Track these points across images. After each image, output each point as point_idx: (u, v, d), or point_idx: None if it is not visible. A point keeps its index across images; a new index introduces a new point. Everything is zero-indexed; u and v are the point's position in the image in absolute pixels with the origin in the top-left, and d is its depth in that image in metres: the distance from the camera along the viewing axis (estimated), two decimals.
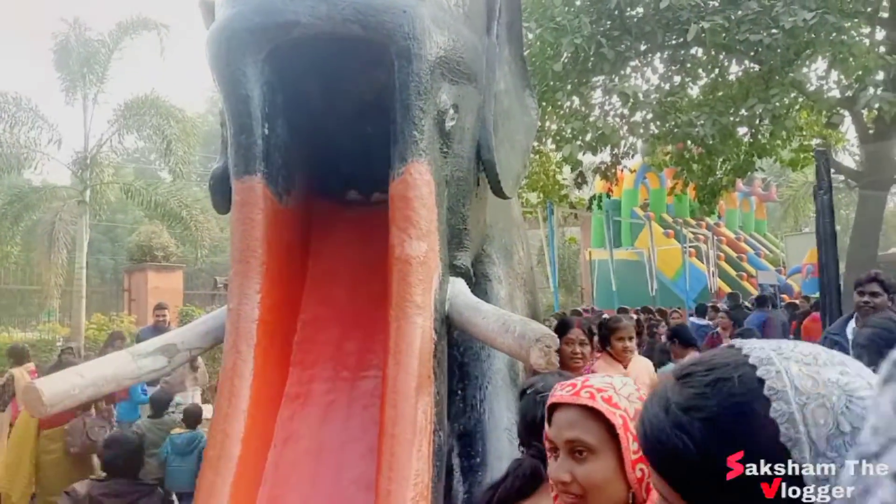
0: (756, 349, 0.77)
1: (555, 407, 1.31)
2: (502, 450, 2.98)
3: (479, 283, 3.33)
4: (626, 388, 1.29)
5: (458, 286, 2.82)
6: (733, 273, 19.47)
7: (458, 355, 3.21)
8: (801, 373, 0.72)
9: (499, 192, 3.19)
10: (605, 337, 4.07)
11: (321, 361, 2.85)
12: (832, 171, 7.33)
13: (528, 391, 1.83)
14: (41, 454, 4.48)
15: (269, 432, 2.59)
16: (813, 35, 7.56)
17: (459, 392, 3.19)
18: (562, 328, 3.72)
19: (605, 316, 6.25)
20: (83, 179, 13.86)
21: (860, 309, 4.00)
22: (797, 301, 12.59)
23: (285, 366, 2.75)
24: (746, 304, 11.65)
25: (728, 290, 15.11)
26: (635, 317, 9.42)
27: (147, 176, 20.55)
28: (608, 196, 12.64)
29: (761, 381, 0.72)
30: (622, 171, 11.40)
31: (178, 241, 16.68)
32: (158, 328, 7.33)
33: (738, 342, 0.81)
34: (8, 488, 4.39)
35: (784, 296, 14.54)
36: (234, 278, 2.60)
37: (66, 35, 13.71)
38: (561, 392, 1.31)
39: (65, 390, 2.34)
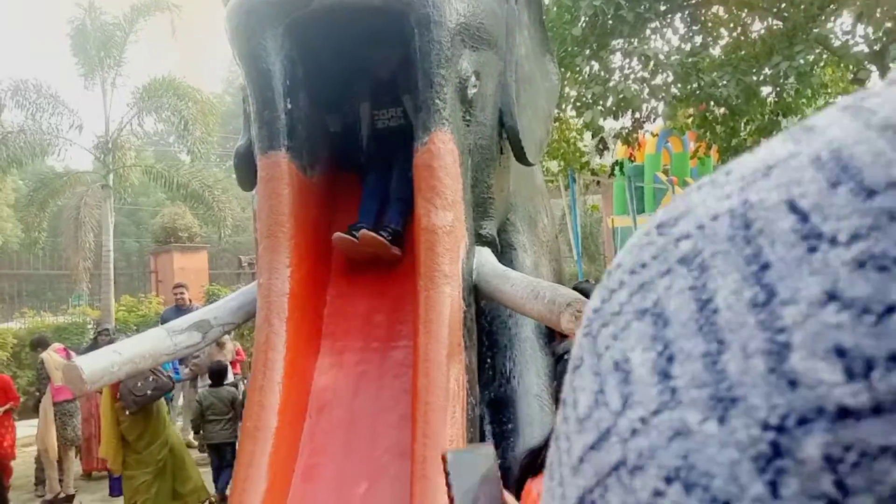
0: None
1: None
2: (533, 416, 3.00)
3: (504, 251, 3.33)
4: None
5: (485, 255, 2.82)
6: None
7: (486, 324, 3.22)
8: None
9: (522, 158, 3.16)
10: None
11: (351, 333, 2.87)
12: None
13: (565, 356, 1.83)
14: (120, 420, 5.02)
15: (303, 403, 2.63)
16: None
17: (488, 360, 3.20)
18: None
19: None
20: (105, 163, 13.98)
21: None
22: None
23: (317, 338, 2.78)
24: None
25: None
26: None
27: (167, 158, 20.67)
28: (630, 161, 12.49)
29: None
30: (644, 135, 11.25)
31: (202, 221, 16.82)
32: (179, 307, 7.46)
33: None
34: (104, 450, 5.12)
35: None
36: (264, 253, 2.63)
37: (81, 20, 13.73)
38: None
39: (104, 367, 2.39)
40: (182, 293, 7.86)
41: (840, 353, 0.19)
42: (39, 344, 7.41)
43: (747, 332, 0.21)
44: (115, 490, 5.44)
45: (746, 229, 0.22)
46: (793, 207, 0.22)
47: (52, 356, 6.74)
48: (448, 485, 1.26)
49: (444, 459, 1.29)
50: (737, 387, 0.21)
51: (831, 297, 0.20)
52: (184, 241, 16.44)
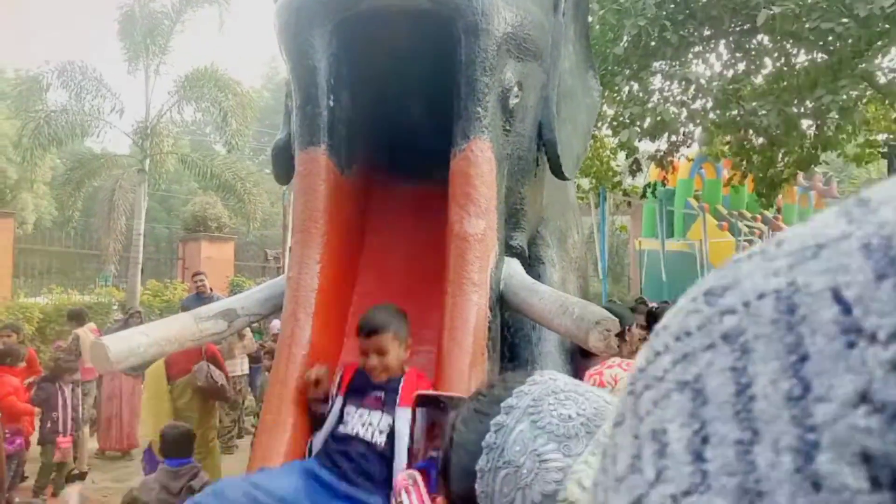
0: (522, 394, 0.74)
1: None
2: None
3: (532, 264, 3.31)
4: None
5: (514, 266, 2.81)
6: None
7: (509, 336, 3.20)
8: (521, 435, 0.70)
9: (558, 172, 3.15)
10: (652, 324, 4.05)
11: None
12: None
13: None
14: (175, 400, 5.13)
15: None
16: (888, 24, 7.25)
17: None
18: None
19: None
20: (143, 148, 14.21)
21: None
22: None
23: (341, 335, 2.79)
24: None
25: None
26: None
27: (202, 148, 20.95)
28: (662, 185, 12.40)
29: (488, 430, 0.72)
30: (678, 159, 11.16)
31: (231, 212, 17.01)
32: (200, 295, 7.52)
33: (544, 374, 0.78)
34: (153, 435, 4.97)
35: None
36: (296, 247, 2.64)
37: (130, 6, 14.00)
38: None
39: (130, 348, 2.42)
40: (202, 280, 7.92)
41: (866, 458, 0.19)
42: (77, 317, 7.52)
43: (780, 427, 0.21)
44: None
45: (790, 314, 0.23)
46: (837, 297, 0.22)
47: (88, 334, 6.84)
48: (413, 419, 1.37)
49: (416, 398, 1.39)
50: (764, 481, 0.21)
51: (863, 398, 0.20)
52: (212, 231, 16.64)
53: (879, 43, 7.99)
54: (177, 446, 3.82)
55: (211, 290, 8.06)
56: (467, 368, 2.39)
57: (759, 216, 19.70)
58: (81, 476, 6.43)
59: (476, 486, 0.69)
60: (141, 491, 3.59)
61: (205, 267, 11.65)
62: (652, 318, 4.33)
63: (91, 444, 7.23)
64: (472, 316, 2.47)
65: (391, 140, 3.23)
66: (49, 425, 5.99)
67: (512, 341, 3.23)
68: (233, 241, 17.32)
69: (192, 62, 15.45)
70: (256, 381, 8.09)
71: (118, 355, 2.39)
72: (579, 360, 3.35)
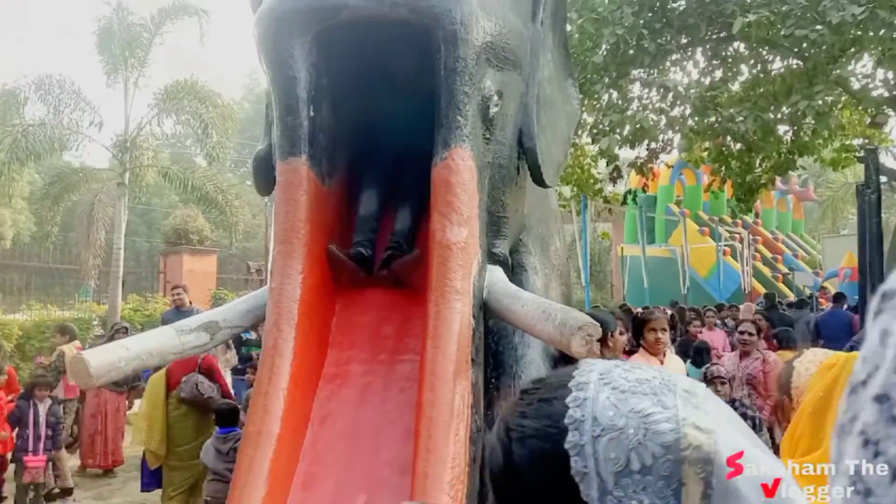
0: (586, 371, 0.73)
1: None
2: None
3: (515, 272, 3.32)
4: None
5: (497, 274, 2.81)
6: (768, 273, 19.16)
7: (493, 344, 3.21)
8: (609, 401, 0.68)
9: (539, 180, 3.17)
10: (638, 329, 4.08)
11: (359, 343, 2.86)
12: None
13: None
14: (171, 411, 5.17)
15: (306, 411, 2.62)
16: (860, 31, 7.38)
17: (493, 381, 3.18)
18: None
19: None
20: (123, 162, 14.10)
21: None
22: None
23: (324, 346, 2.78)
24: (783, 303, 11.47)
25: (763, 290, 14.87)
26: (670, 311, 9.33)
27: (183, 161, 20.82)
28: (643, 191, 12.51)
29: (566, 408, 0.70)
30: (658, 166, 11.27)
31: (213, 225, 16.92)
32: (179, 309, 7.44)
33: (588, 361, 0.77)
34: (147, 441, 5.18)
35: (822, 298, 14.29)
36: (277, 258, 2.63)
37: (108, 18, 13.93)
38: None
39: (111, 362, 2.39)
40: (179, 294, 7.82)
41: None
42: (67, 331, 7.44)
43: None
44: (152, 484, 5.42)
45: None
46: None
47: (73, 351, 6.76)
48: None
49: None
50: None
51: None
52: (194, 244, 16.52)
53: (852, 49, 8.14)
54: (225, 418, 4.75)
55: (190, 303, 7.97)
56: (452, 377, 2.39)
57: (740, 221, 19.91)
58: (65, 492, 6.34)
59: (573, 464, 0.67)
60: (203, 454, 4.66)
61: (187, 280, 11.56)
62: (635, 322, 4.36)
63: (73, 461, 7.12)
64: (455, 324, 2.47)
65: (372, 149, 3.24)
66: (19, 443, 5.87)
67: (496, 349, 3.23)
68: (215, 254, 17.23)
69: (171, 74, 15.36)
70: (241, 394, 8.02)
71: (99, 370, 2.36)
72: (563, 366, 3.36)
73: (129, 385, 7.03)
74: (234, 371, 7.70)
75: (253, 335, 7.26)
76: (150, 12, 13.97)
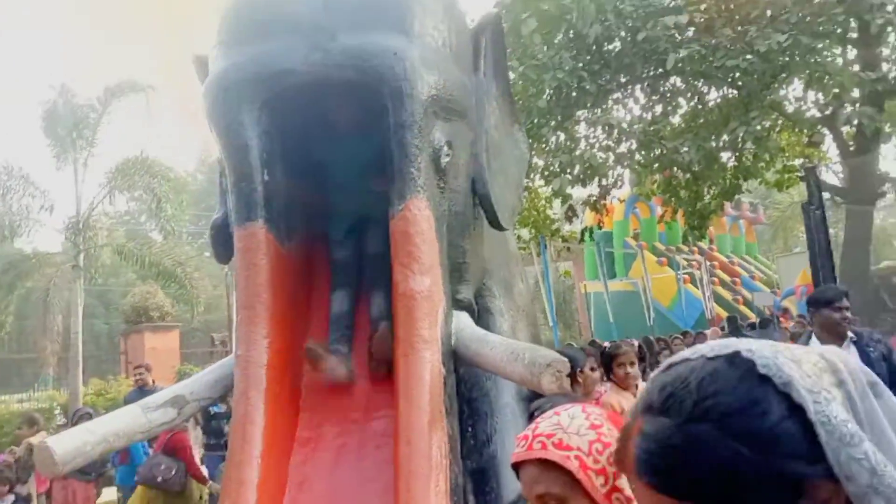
0: (742, 344, 0.72)
1: (518, 465, 1.28)
2: (517, 485, 2.94)
3: (481, 316, 3.34)
4: (574, 421, 1.24)
5: (463, 319, 2.83)
6: (729, 297, 19.52)
7: (466, 391, 3.20)
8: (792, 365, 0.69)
9: (496, 224, 3.22)
10: (607, 364, 4.09)
11: (330, 404, 2.83)
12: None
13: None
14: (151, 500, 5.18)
15: (282, 477, 2.57)
16: (787, 57, 7.76)
17: (470, 429, 3.16)
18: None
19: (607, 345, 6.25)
20: (76, 244, 13.85)
21: (839, 325, 3.83)
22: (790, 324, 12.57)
23: (295, 410, 2.74)
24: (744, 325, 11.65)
25: (725, 314, 15.12)
26: (636, 342, 9.39)
27: (139, 237, 20.55)
28: (599, 228, 12.72)
29: (765, 377, 0.68)
30: (611, 202, 11.51)
31: (174, 300, 16.62)
32: (142, 389, 7.27)
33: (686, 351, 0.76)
34: None
35: (782, 318, 14.57)
36: (241, 325, 2.61)
37: (53, 101, 13.85)
38: (518, 449, 1.27)
39: (76, 447, 2.33)
40: (142, 373, 7.66)
41: None
42: (34, 422, 7.18)
43: None
44: None
45: None
46: None
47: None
48: None
49: None
50: None
51: None
52: (155, 321, 16.17)
53: (783, 75, 8.53)
54: None
55: (153, 382, 7.79)
56: (427, 428, 2.37)
57: (696, 248, 20.32)
58: None
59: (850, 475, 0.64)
60: None
61: (150, 358, 11.29)
62: (603, 357, 4.38)
63: None
64: (426, 373, 2.46)
65: (328, 208, 3.26)
66: None
67: (469, 396, 3.22)
68: (177, 329, 16.86)
69: (121, 151, 15.30)
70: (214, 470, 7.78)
71: (64, 456, 2.29)
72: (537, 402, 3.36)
73: (97, 472, 6.76)
74: (206, 447, 7.48)
75: (222, 408, 7.09)
76: (97, 93, 13.95)
